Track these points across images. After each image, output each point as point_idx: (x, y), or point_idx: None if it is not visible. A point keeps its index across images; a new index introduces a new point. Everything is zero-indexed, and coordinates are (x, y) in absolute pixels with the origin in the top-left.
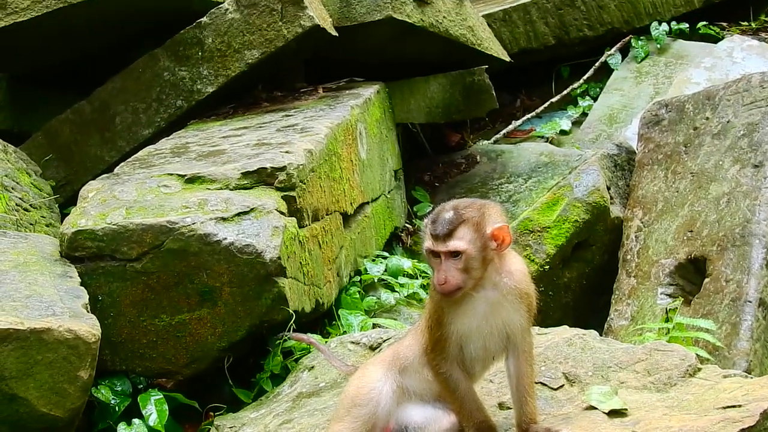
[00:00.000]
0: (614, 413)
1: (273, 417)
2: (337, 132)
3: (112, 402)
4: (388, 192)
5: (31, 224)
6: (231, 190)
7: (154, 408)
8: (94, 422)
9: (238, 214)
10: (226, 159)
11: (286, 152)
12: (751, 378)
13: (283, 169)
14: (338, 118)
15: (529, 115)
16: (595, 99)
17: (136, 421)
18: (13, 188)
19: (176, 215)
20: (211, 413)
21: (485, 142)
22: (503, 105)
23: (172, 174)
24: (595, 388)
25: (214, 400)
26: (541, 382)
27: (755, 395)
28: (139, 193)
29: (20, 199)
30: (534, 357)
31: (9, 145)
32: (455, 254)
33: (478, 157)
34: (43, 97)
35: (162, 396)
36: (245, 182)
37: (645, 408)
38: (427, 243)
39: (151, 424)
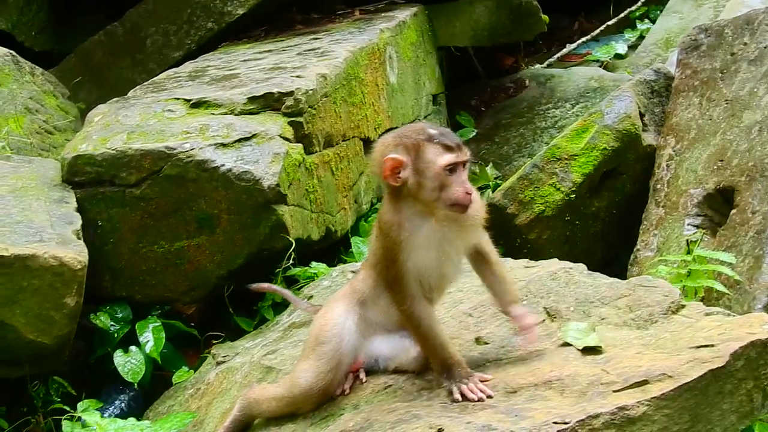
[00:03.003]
0: (588, 350)
1: (261, 347)
2: (360, 56)
3: (111, 328)
4: (424, 117)
5: (54, 147)
6: (236, 115)
7: (151, 335)
8: (94, 349)
9: (239, 140)
10: (237, 83)
11: (297, 77)
12: (733, 317)
13: (290, 94)
14: (363, 42)
15: (584, 39)
16: (654, 22)
17: (133, 348)
18: (37, 111)
19: (175, 141)
20: (213, 341)
21: (538, 66)
22: (561, 28)
23: (178, 98)
24: (573, 324)
25: (220, 328)
26: None
27: (731, 335)
28: (142, 118)
29: (44, 121)
30: None
31: (36, 67)
32: (465, 163)
33: (526, 82)
34: (82, 18)
35: (160, 324)
36: (251, 107)
37: (620, 346)
38: (447, 156)
39: (147, 351)
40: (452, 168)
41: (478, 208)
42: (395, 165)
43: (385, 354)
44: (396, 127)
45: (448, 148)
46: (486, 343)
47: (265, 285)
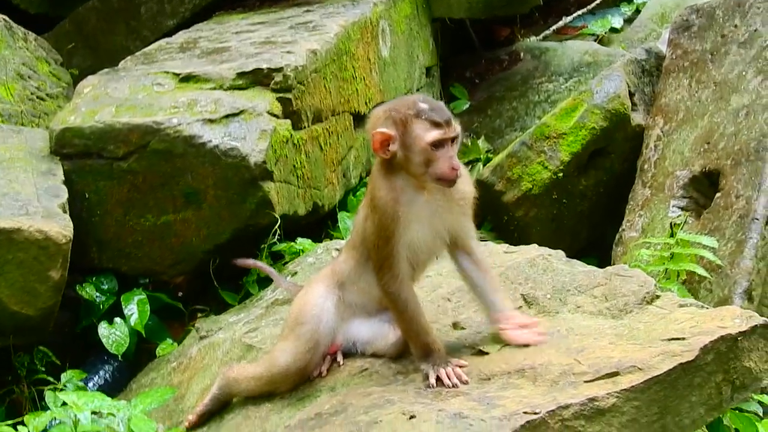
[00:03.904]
0: None
1: (243, 324)
2: (351, 30)
3: (97, 300)
4: (417, 90)
5: (46, 114)
6: (224, 90)
7: (136, 308)
8: (80, 319)
9: (227, 116)
10: (227, 57)
11: (288, 52)
12: (706, 309)
13: (279, 70)
14: (355, 16)
15: (581, 11)
16: None
17: (117, 320)
18: (29, 77)
19: (163, 115)
20: (199, 314)
21: (534, 38)
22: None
23: (168, 72)
24: None
25: (206, 302)
26: None
27: (702, 328)
28: (131, 91)
29: (36, 88)
30: None
31: (30, 32)
32: (455, 138)
33: (521, 54)
34: None
35: (145, 296)
36: (240, 83)
37: (594, 335)
38: (434, 133)
39: (132, 323)
40: (439, 143)
41: (468, 184)
42: (384, 139)
43: (363, 338)
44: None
45: (436, 124)
46: (463, 329)
47: (251, 261)
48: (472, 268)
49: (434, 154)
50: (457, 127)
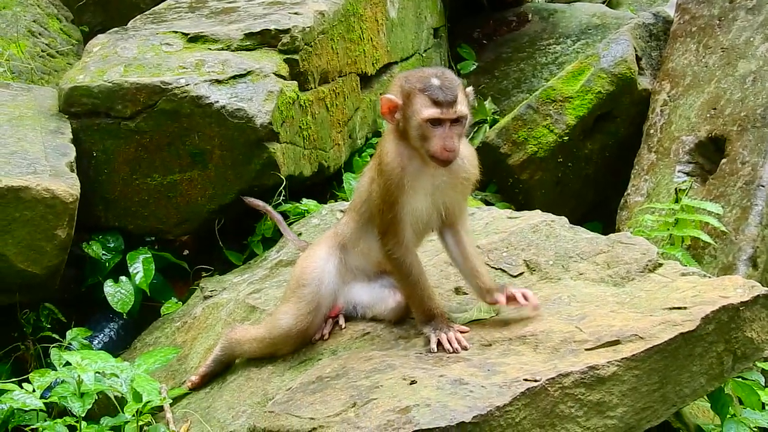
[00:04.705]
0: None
1: (247, 285)
2: None
3: (103, 258)
4: (424, 51)
5: (56, 71)
6: (232, 51)
7: (141, 266)
8: (86, 277)
9: (234, 77)
10: (235, 18)
11: (295, 14)
12: (709, 278)
13: (287, 31)
14: None
15: None
16: None
17: (123, 278)
18: (40, 34)
19: (171, 75)
20: (203, 274)
21: None
22: None
23: (177, 32)
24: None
25: (210, 261)
26: (500, 269)
27: (704, 297)
28: (140, 51)
29: (47, 45)
30: None
31: None
32: (457, 120)
33: (529, 16)
34: None
35: (150, 255)
36: (248, 43)
37: (596, 303)
38: (431, 110)
39: (137, 282)
40: (436, 121)
41: (474, 167)
42: (390, 105)
43: (364, 302)
44: (395, 62)
45: (436, 103)
46: (465, 294)
47: (261, 203)
48: (454, 246)
49: (431, 131)
50: (461, 110)
